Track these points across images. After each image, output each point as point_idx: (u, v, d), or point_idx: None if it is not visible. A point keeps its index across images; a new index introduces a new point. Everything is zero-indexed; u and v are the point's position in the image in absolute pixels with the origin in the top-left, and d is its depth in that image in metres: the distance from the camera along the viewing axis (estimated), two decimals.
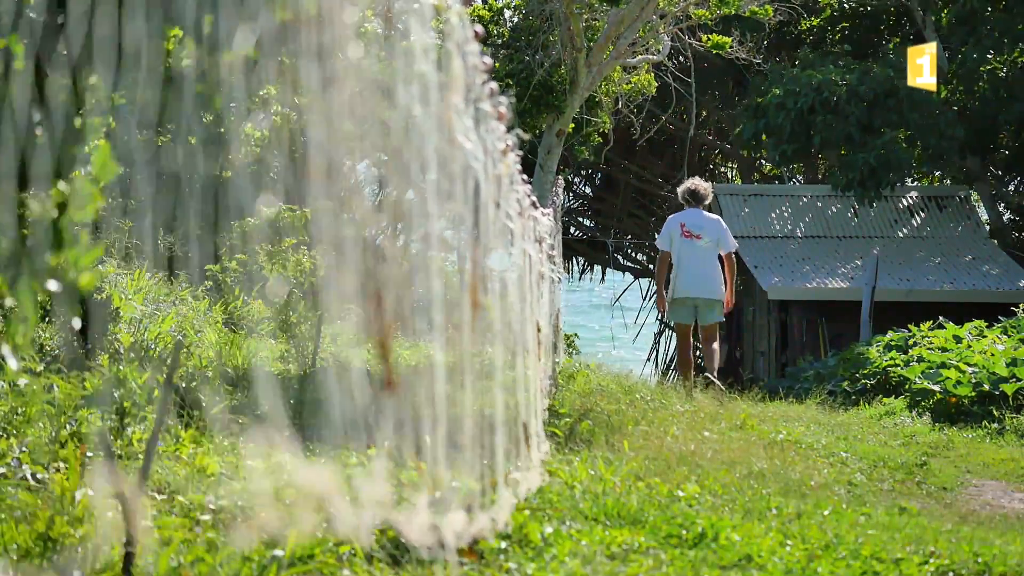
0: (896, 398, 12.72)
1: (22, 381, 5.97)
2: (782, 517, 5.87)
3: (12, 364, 2.75)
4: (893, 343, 15.07)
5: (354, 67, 2.86)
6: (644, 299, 31.89)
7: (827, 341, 22.19)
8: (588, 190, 32.06)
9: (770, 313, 23.51)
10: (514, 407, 5.60)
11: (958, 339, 14.26)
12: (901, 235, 24.74)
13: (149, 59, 2.97)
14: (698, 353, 12.97)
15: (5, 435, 5.67)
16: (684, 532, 5.20)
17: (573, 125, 19.49)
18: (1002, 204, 26.63)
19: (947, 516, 6.90)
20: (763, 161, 29.67)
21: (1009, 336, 14.04)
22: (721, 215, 19.75)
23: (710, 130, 30.67)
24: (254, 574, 4.22)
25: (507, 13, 20.22)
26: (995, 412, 11.25)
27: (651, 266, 29.65)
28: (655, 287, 21.20)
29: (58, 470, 5.27)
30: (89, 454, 5.53)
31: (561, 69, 18.40)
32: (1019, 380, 11.62)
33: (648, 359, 30.76)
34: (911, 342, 14.77)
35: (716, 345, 12.41)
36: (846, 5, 26.99)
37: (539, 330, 6.94)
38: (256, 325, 10.31)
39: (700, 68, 25.21)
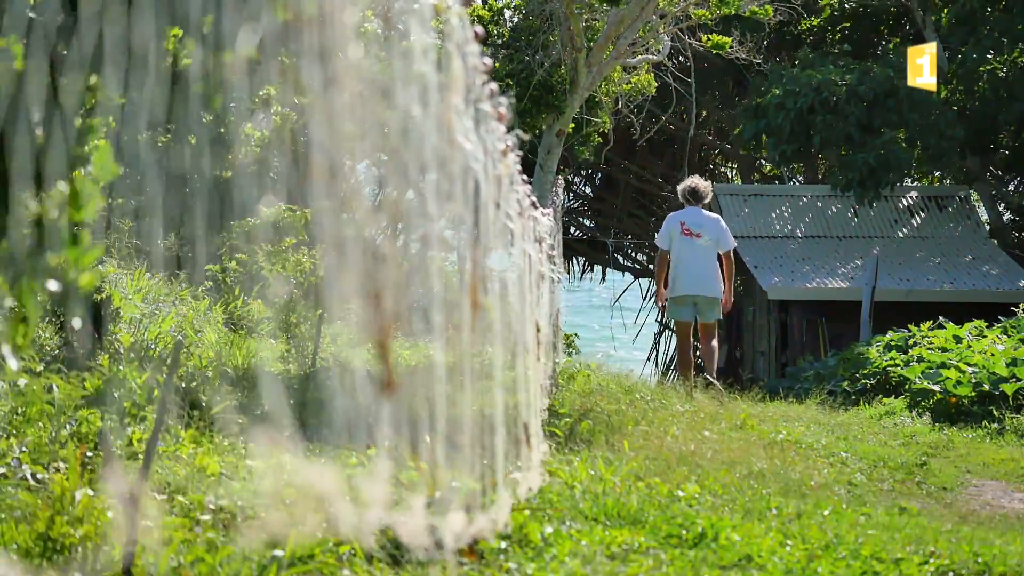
0: (896, 398, 12.72)
1: (22, 381, 5.97)
2: (782, 517, 5.87)
3: (12, 364, 2.75)
4: (893, 343, 15.07)
5: (354, 68, 2.86)
6: (644, 299, 31.90)
7: (827, 341, 22.19)
8: (588, 190, 32.06)
9: (770, 313, 23.51)
10: (514, 407, 5.60)
11: (958, 339, 14.27)
12: (901, 235, 24.74)
13: (152, 59, 2.97)
14: (698, 353, 12.96)
15: (5, 435, 5.67)
16: (684, 532, 5.20)
17: (573, 125, 19.48)
18: (1002, 204, 26.63)
19: (947, 516, 6.90)
20: (763, 161, 29.67)
21: (1009, 336, 14.04)
22: (721, 215, 19.72)
23: (710, 130, 30.67)
24: (254, 574, 4.22)
25: (507, 13, 20.23)
26: (995, 412, 11.25)
27: (651, 266, 29.64)
28: (655, 285, 21.21)
29: (58, 470, 5.27)
30: (89, 454, 5.53)
31: (561, 69, 18.40)
32: (1019, 380, 11.62)
33: (648, 359, 30.76)
34: (911, 342, 14.77)
35: (715, 343, 12.43)
36: (846, 5, 26.99)
37: (539, 330, 6.94)
38: (256, 325, 10.31)
39: (700, 68, 25.21)
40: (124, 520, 4.07)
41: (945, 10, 24.37)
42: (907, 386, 12.71)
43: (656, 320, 30.91)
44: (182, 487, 5.27)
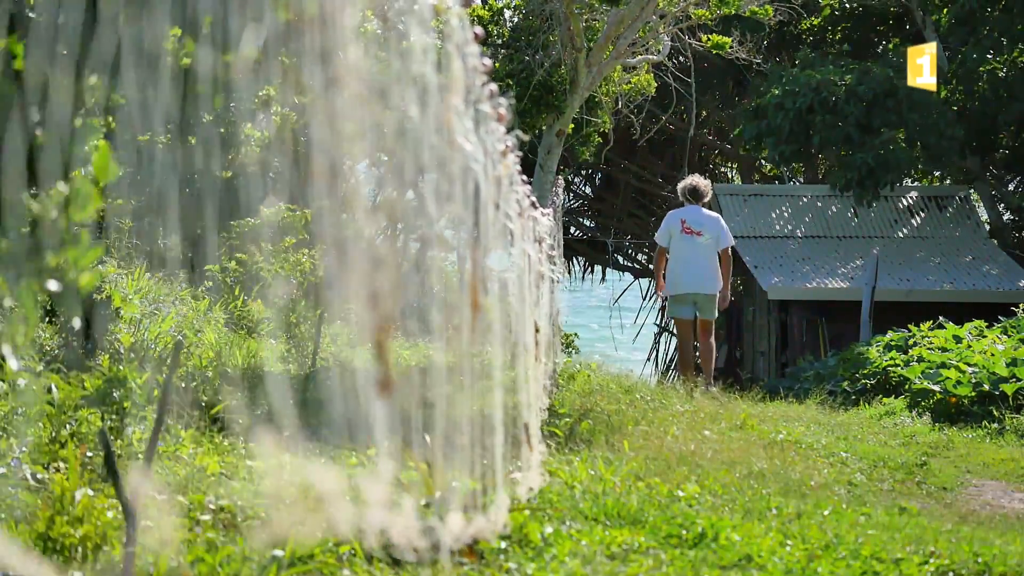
0: (896, 398, 12.72)
1: (22, 381, 5.97)
2: (782, 517, 5.87)
3: (12, 364, 2.75)
4: (893, 343, 15.07)
5: (354, 68, 2.86)
6: (644, 299, 31.90)
7: (827, 341, 22.19)
8: (588, 190, 32.07)
9: (770, 313, 23.51)
10: (514, 408, 5.60)
11: (958, 339, 14.27)
12: (901, 235, 24.74)
13: (152, 59, 2.97)
14: (697, 353, 12.98)
15: (5, 435, 5.67)
16: (684, 532, 5.20)
17: (573, 125, 19.48)
18: (1002, 204, 26.63)
19: (947, 516, 6.90)
20: (763, 161, 29.67)
21: (1009, 336, 14.04)
22: (721, 215, 19.74)
23: (710, 130, 30.68)
24: (254, 574, 4.23)
25: (507, 13, 20.22)
26: (995, 412, 11.25)
27: (651, 266, 29.64)
28: (654, 281, 21.20)
29: (58, 470, 5.27)
30: (89, 454, 5.53)
31: (561, 69, 18.40)
32: (1019, 380, 11.62)
33: (648, 359, 30.76)
34: (911, 342, 14.78)
35: (713, 342, 12.48)
36: (846, 5, 26.99)
37: (538, 330, 6.94)
38: (256, 325, 10.31)
39: (700, 68, 25.21)
40: (124, 520, 4.07)
41: (945, 10, 24.37)
42: (907, 386, 12.71)
43: (655, 323, 30.92)
44: (182, 487, 5.27)
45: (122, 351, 7.85)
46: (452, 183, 3.83)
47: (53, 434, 5.81)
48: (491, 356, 4.65)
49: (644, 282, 31.80)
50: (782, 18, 21.46)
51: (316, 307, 9.57)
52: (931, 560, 5.11)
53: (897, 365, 13.75)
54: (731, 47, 20.07)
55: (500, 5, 19.96)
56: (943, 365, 12.42)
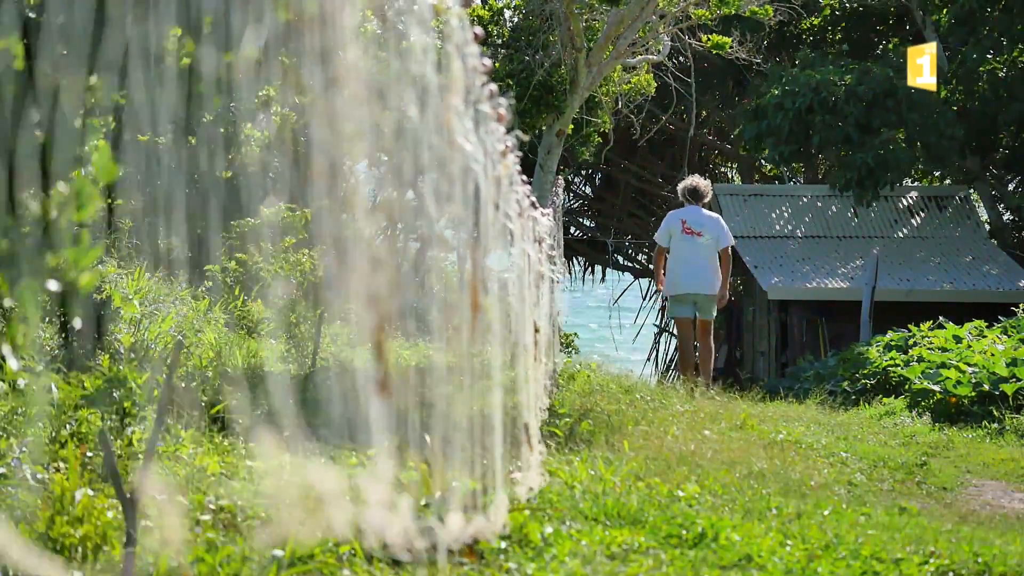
0: (896, 398, 12.72)
1: (22, 381, 5.97)
2: (782, 517, 5.87)
3: (12, 364, 2.75)
4: (893, 343, 15.07)
5: (354, 68, 2.86)
6: (644, 299, 31.90)
7: (827, 341, 22.19)
8: (588, 190, 32.06)
9: (770, 313, 23.51)
10: (514, 407, 5.60)
11: (958, 339, 14.27)
12: (901, 235, 24.74)
13: (152, 60, 2.97)
14: (697, 354, 12.99)
15: (5, 435, 5.67)
16: (684, 532, 5.20)
17: (573, 125, 19.48)
18: (1002, 204, 26.63)
19: (947, 516, 6.90)
20: (763, 161, 29.67)
21: (1009, 336, 14.04)
22: (721, 215, 19.75)
23: (710, 130, 30.67)
24: (254, 574, 4.23)
25: (507, 13, 20.21)
26: (995, 412, 11.25)
27: (651, 266, 29.64)
28: (654, 280, 21.19)
29: (58, 470, 5.27)
30: (89, 454, 5.53)
31: (561, 69, 18.40)
32: (1019, 380, 11.62)
33: (648, 359, 30.76)
34: (911, 342, 14.78)
35: (712, 343, 12.50)
36: (846, 5, 26.99)
37: (538, 330, 6.94)
38: (256, 325, 10.31)
39: (700, 68, 25.20)
40: (124, 520, 4.07)
41: (945, 10, 24.36)
42: (907, 386, 12.71)
43: (655, 323, 30.92)
44: (182, 487, 5.27)
45: (122, 351, 7.85)
46: (452, 183, 3.83)
47: (53, 434, 5.81)
48: (491, 356, 4.65)
49: (644, 282, 31.80)
50: (782, 18, 21.46)
51: (316, 307, 9.57)
52: (931, 560, 5.11)
53: (897, 365, 13.75)
54: (731, 47, 20.07)
55: (500, 5, 19.95)
56: (943, 365, 12.42)
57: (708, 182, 12.87)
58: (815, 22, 27.07)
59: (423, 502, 4.68)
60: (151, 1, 2.93)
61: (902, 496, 7.55)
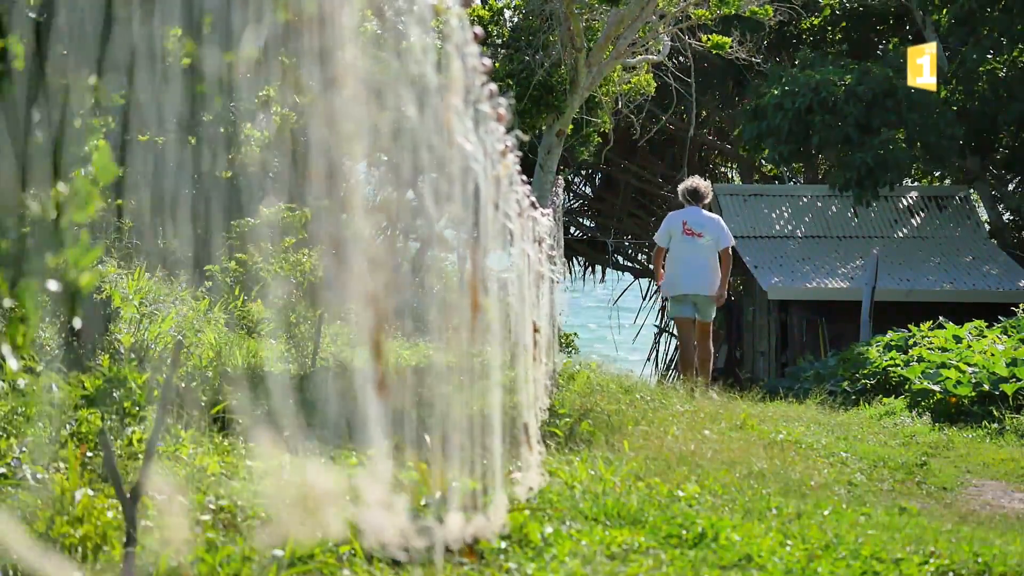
0: (896, 398, 12.72)
1: (22, 381, 5.97)
2: (782, 517, 5.87)
3: (12, 364, 2.75)
4: (893, 343, 15.08)
5: (353, 68, 2.86)
6: (644, 299, 31.91)
7: (827, 341, 22.20)
8: (588, 190, 32.07)
9: (770, 313, 23.51)
10: (513, 407, 5.60)
11: (958, 339, 14.27)
12: (901, 235, 24.74)
13: (153, 60, 2.98)
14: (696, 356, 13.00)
15: (5, 435, 5.67)
16: (684, 532, 5.20)
17: (573, 125, 19.49)
18: (1002, 204, 26.63)
19: (947, 516, 6.90)
20: (763, 161, 29.68)
21: (1009, 336, 14.04)
22: (721, 215, 19.77)
23: (710, 130, 30.68)
24: (254, 574, 4.23)
25: (507, 13, 20.22)
26: (995, 412, 11.25)
27: (651, 266, 29.65)
28: (654, 280, 21.21)
29: (58, 470, 5.27)
30: (89, 454, 5.53)
31: (561, 69, 18.40)
32: (1019, 380, 11.62)
33: (648, 359, 30.76)
34: (911, 342, 14.78)
35: (711, 345, 12.51)
36: (846, 5, 26.99)
37: (537, 330, 6.94)
38: (256, 325, 10.31)
39: (700, 68, 25.20)
40: (124, 520, 4.07)
41: (945, 10, 24.36)
42: (907, 386, 12.71)
43: (655, 324, 30.92)
44: (182, 487, 5.27)
45: (122, 351, 7.85)
46: (452, 183, 3.83)
47: (53, 434, 5.81)
48: (490, 356, 4.65)
49: (644, 282, 31.80)
50: (782, 18, 21.46)
51: (316, 307, 9.57)
52: (931, 560, 5.11)
53: (897, 365, 13.75)
54: (731, 47, 20.07)
55: (500, 5, 19.96)
56: (943, 365, 12.42)
57: (708, 183, 12.88)
58: (815, 22, 27.07)
59: (423, 502, 4.68)
60: (154, 1, 2.93)
61: (902, 496, 7.55)
